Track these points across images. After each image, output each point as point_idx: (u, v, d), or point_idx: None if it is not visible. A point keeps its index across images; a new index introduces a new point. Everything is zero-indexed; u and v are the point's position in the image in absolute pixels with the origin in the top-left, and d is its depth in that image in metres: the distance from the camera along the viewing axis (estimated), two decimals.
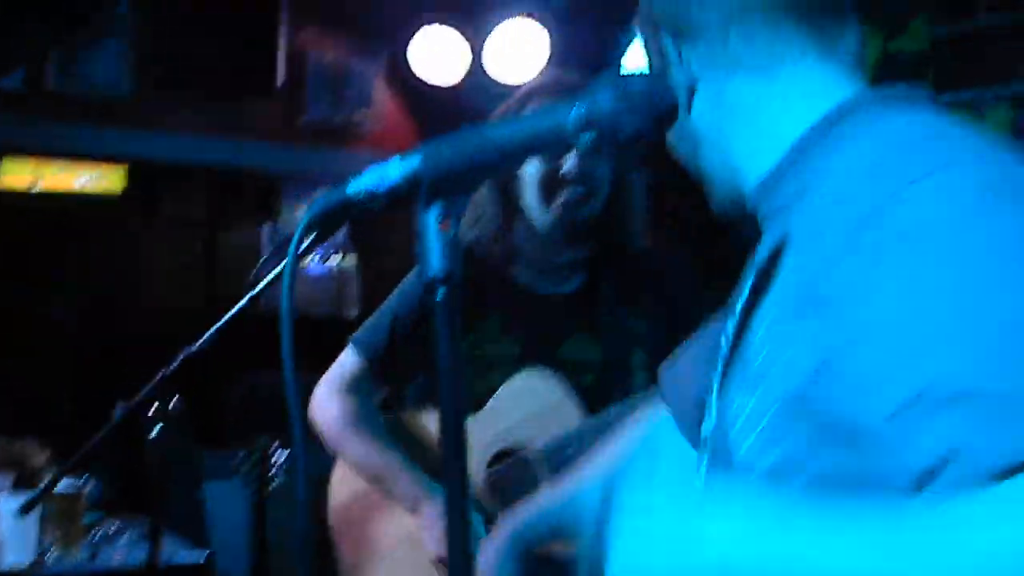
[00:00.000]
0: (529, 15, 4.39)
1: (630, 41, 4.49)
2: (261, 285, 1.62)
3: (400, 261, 4.52)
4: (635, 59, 4.49)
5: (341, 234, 5.40)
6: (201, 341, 1.78)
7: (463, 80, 4.52)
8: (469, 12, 4.41)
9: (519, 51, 4.41)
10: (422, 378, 2.40)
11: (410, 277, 2.38)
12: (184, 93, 4.50)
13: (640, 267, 2.31)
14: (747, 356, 1.00)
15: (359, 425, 2.33)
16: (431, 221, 0.95)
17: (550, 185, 2.19)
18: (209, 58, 4.38)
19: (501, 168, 1.02)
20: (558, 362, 2.24)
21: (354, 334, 2.39)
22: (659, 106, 0.98)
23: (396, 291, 2.40)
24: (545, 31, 4.39)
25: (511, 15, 4.39)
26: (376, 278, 5.66)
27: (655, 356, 2.23)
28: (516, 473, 2.22)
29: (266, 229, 6.89)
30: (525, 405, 2.22)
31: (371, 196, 0.96)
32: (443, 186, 0.96)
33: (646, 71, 1.06)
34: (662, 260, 2.35)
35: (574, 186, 2.18)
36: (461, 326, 2.35)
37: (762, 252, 1.04)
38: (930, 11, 4.34)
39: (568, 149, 1.01)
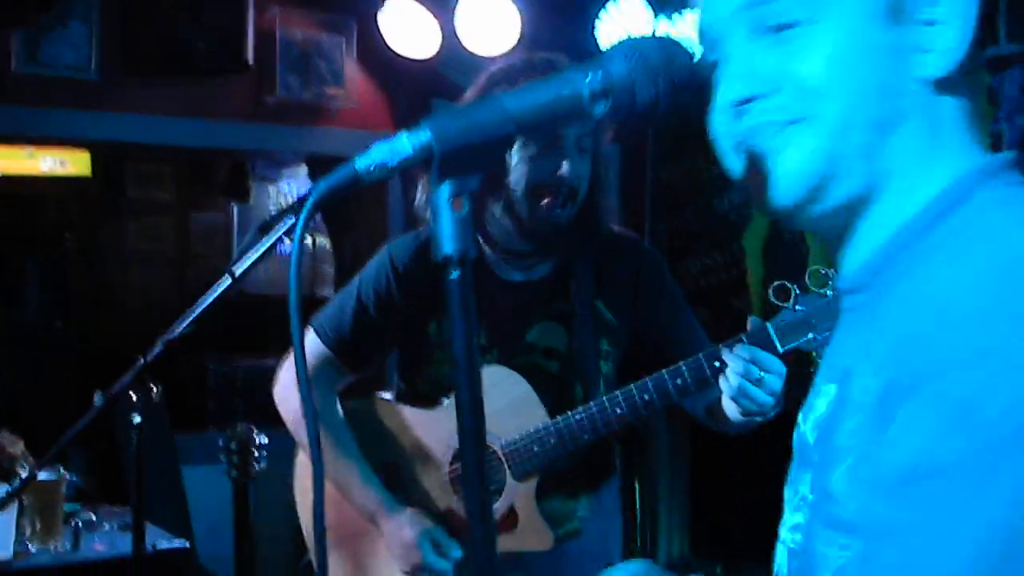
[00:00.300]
0: None
1: (599, 11, 4.46)
2: (243, 267, 1.57)
3: (373, 240, 4.49)
4: (607, 29, 4.46)
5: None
6: (180, 327, 1.74)
7: (435, 54, 4.48)
8: None
9: (490, 23, 4.37)
10: (403, 373, 2.39)
11: (373, 260, 2.36)
12: (151, 74, 4.43)
13: (611, 256, 2.29)
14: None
15: (320, 425, 2.31)
16: (443, 199, 0.91)
17: (539, 187, 2.16)
18: (176, 38, 4.31)
19: (513, 140, 0.96)
20: (525, 347, 2.24)
21: (314, 319, 2.35)
22: (677, 71, 0.94)
23: (359, 274, 2.37)
24: (512, 3, 4.34)
25: None
26: (351, 257, 5.62)
27: (620, 345, 2.25)
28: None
29: (236, 209, 6.84)
30: (489, 401, 2.21)
31: (381, 170, 0.92)
32: (455, 162, 0.91)
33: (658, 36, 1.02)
34: (633, 249, 2.34)
35: (564, 187, 2.16)
36: (432, 311, 2.32)
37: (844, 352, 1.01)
38: None
39: (584, 119, 0.96)
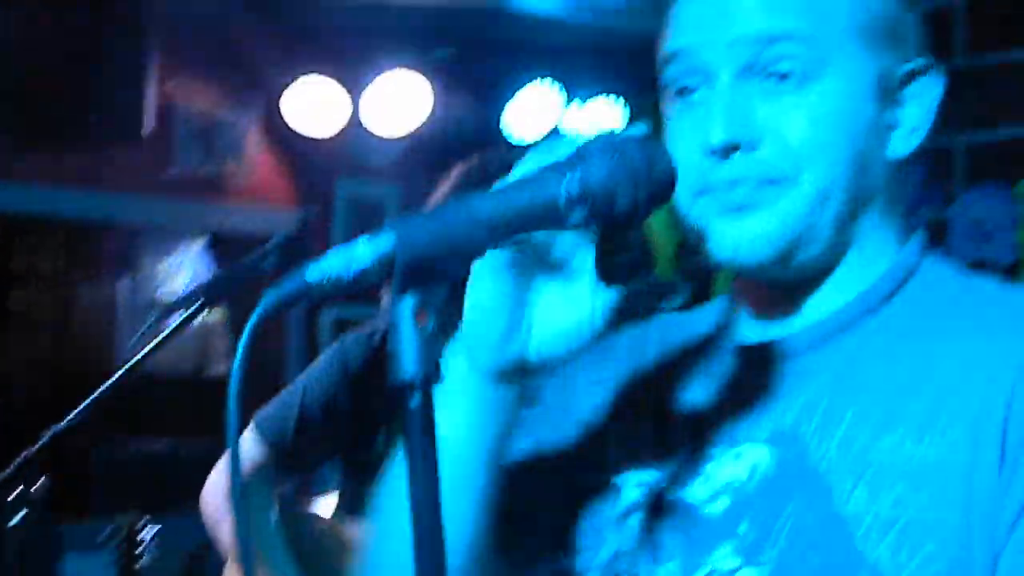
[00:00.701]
0: (411, 67, 4.29)
1: (513, 95, 4.44)
2: (141, 354, 1.45)
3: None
4: (517, 113, 4.43)
5: None
6: (71, 417, 1.60)
7: (340, 132, 4.40)
8: (348, 62, 4.29)
9: (400, 103, 4.31)
10: (347, 484, 2.29)
11: (323, 356, 2.26)
12: (43, 141, 4.25)
13: None
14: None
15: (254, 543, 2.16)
16: (405, 314, 0.79)
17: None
18: (70, 105, 4.15)
19: (486, 249, 0.86)
20: None
21: (257, 415, 2.22)
22: (658, 176, 0.86)
23: (307, 371, 2.26)
24: (427, 83, 4.30)
25: (392, 67, 4.29)
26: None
27: None
28: None
29: (125, 284, 6.61)
30: None
31: (335, 283, 0.79)
32: (420, 272, 0.80)
33: (637, 131, 0.94)
34: None
35: None
36: (382, 421, 2.20)
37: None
38: None
39: (559, 226, 0.87)
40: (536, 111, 4.47)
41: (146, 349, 1.53)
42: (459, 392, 0.93)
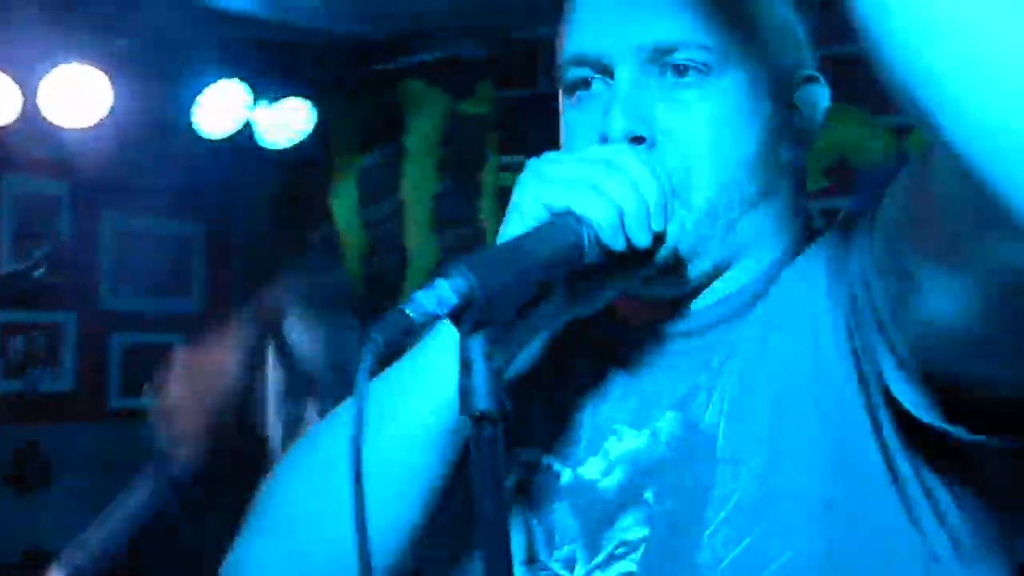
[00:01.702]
0: (88, 61, 4.07)
1: (199, 91, 4.31)
2: None
3: None
4: (205, 110, 4.31)
5: None
6: None
7: (10, 125, 4.11)
8: (20, 54, 4.02)
9: (77, 97, 4.08)
10: None
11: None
12: None
13: None
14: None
15: None
16: (477, 350, 0.81)
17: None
18: None
19: (543, 286, 0.88)
20: None
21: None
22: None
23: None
24: (106, 77, 4.10)
25: (68, 59, 4.05)
26: None
27: None
28: None
29: None
30: None
31: (430, 320, 0.80)
32: (491, 310, 0.82)
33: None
34: None
35: None
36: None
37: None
38: (496, 76, 4.55)
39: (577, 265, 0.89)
40: (224, 108, 4.36)
41: None
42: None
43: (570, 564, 1.01)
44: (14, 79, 4.03)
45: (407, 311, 0.80)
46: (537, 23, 4.38)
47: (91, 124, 4.16)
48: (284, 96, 4.47)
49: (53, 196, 4.59)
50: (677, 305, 1.06)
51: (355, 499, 0.74)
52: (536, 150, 3.82)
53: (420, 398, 0.93)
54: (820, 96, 1.07)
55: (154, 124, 4.26)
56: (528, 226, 0.90)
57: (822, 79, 1.08)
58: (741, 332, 1.03)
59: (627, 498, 1.00)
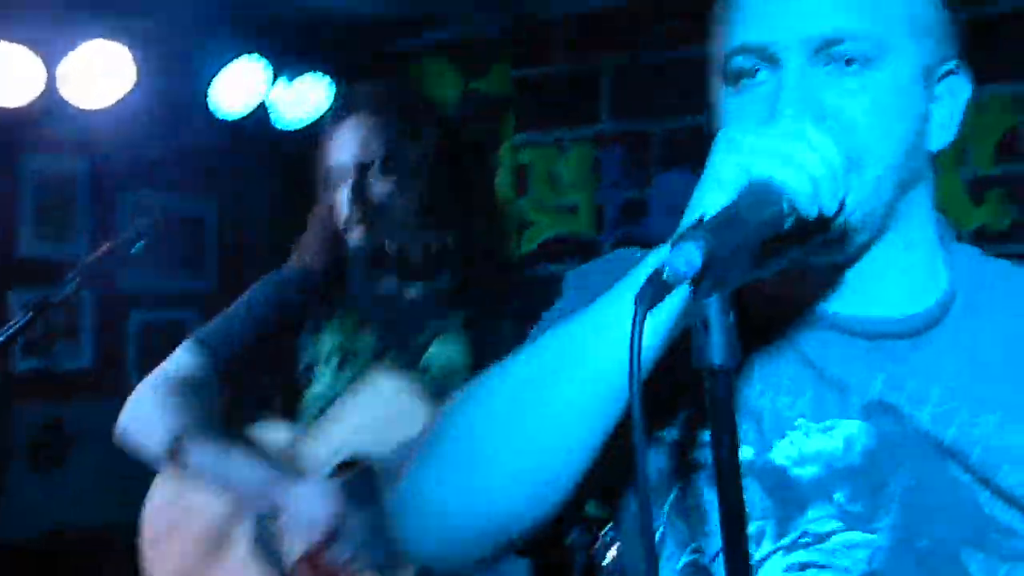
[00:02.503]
0: (111, 38, 4.08)
1: (218, 70, 4.33)
2: None
3: None
4: (224, 88, 4.33)
5: None
6: None
7: (34, 102, 4.12)
8: (43, 30, 4.03)
9: (100, 74, 4.10)
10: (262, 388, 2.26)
11: (259, 284, 2.31)
12: None
13: (511, 275, 2.26)
14: None
15: (206, 432, 2.19)
16: (715, 309, 0.86)
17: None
18: None
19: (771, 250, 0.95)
20: (424, 362, 2.15)
21: (196, 332, 2.27)
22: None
23: (245, 296, 2.31)
24: (129, 54, 4.11)
25: (91, 36, 4.06)
26: None
27: None
28: (360, 484, 2.11)
29: None
30: (372, 410, 2.11)
31: (681, 280, 0.86)
32: (726, 272, 0.87)
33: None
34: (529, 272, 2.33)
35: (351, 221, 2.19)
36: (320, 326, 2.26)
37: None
38: (511, 55, 4.59)
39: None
40: (243, 87, 4.38)
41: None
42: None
43: (757, 539, 1.07)
44: (38, 55, 4.04)
45: (663, 274, 0.86)
46: (551, 1, 4.43)
47: (112, 103, 4.18)
48: (302, 73, 4.50)
49: (71, 175, 4.60)
50: (829, 280, 1.11)
51: (639, 471, 0.81)
52: (551, 127, 3.90)
53: (604, 352, 0.98)
54: (962, 88, 1.13)
55: (173, 103, 4.28)
56: (731, 195, 0.95)
57: (964, 71, 1.14)
58: (942, 331, 1.09)
59: (818, 493, 1.06)
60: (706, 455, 1.09)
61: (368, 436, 2.10)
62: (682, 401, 1.09)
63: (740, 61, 1.09)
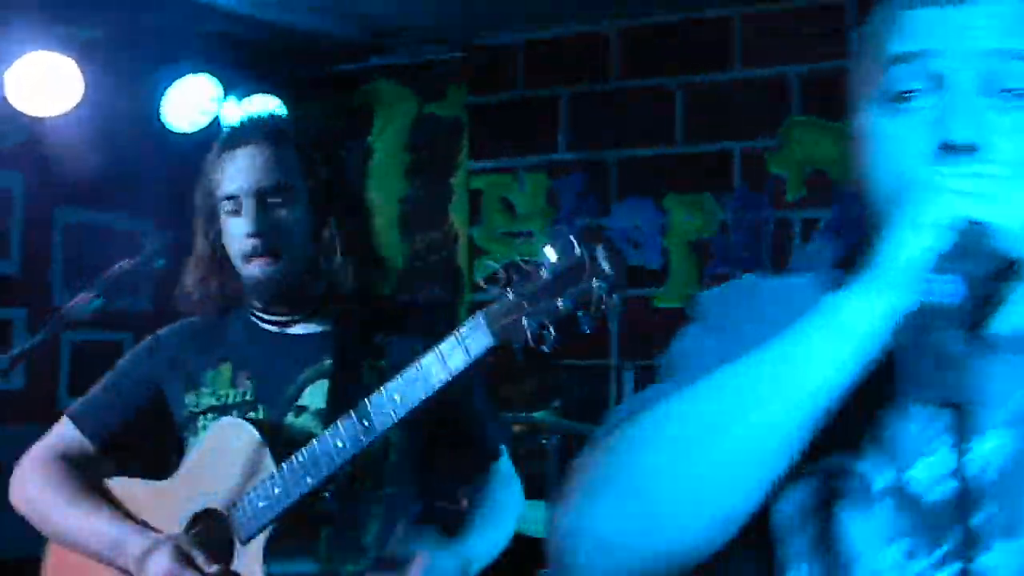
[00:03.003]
0: (58, 49, 3.96)
1: (170, 84, 4.23)
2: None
3: None
4: (175, 103, 4.22)
5: None
6: None
7: None
8: None
9: (46, 86, 3.97)
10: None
11: (130, 355, 2.22)
12: None
13: (391, 322, 2.18)
14: None
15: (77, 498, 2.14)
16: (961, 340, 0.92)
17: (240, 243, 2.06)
18: None
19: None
20: (296, 409, 2.08)
21: (72, 409, 2.21)
22: None
23: (117, 367, 2.22)
24: (75, 64, 3.99)
25: (35, 47, 3.94)
26: None
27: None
28: (215, 534, 2.03)
29: None
30: (221, 459, 2.03)
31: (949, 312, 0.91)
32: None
33: None
34: (419, 319, 2.23)
35: (253, 251, 2.06)
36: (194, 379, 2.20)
37: None
38: (467, 80, 4.56)
39: None
40: (193, 103, 4.29)
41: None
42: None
43: (909, 557, 1.05)
44: None
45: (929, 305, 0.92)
46: (506, 29, 4.43)
47: (58, 113, 4.05)
48: (254, 92, 4.42)
49: (7, 188, 4.44)
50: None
51: None
52: (508, 154, 3.91)
53: (789, 393, 0.97)
54: None
55: (120, 118, 4.16)
56: (935, 236, 0.95)
57: None
58: None
59: (962, 509, 1.04)
60: (853, 484, 1.08)
61: (219, 484, 2.05)
62: (831, 430, 1.07)
63: (899, 72, 1.06)
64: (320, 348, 2.13)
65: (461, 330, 1.80)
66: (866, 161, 1.07)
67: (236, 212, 2.07)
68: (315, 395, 2.10)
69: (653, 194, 4.23)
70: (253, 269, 2.06)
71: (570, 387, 4.06)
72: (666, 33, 4.22)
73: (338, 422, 1.92)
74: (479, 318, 1.79)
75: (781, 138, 4.10)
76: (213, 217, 2.12)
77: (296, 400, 2.10)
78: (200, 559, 1.99)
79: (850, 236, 3.98)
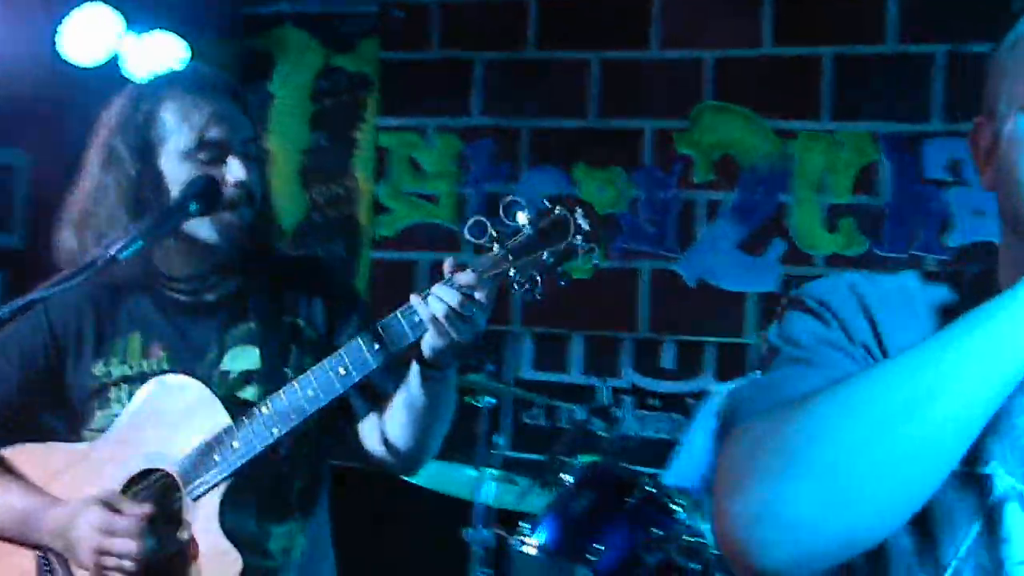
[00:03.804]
0: None
1: (63, 17, 4.03)
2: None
3: None
4: (72, 36, 4.02)
5: None
6: None
7: None
8: None
9: None
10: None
11: (17, 322, 1.99)
12: None
13: (290, 268, 2.15)
14: None
15: None
16: None
17: (212, 199, 1.96)
18: None
19: None
20: (220, 375, 2.02)
21: None
22: None
23: (7, 335, 2.05)
24: None
25: None
26: None
27: (314, 353, 2.09)
28: (158, 492, 1.97)
29: None
30: (162, 419, 1.97)
31: None
32: None
33: None
34: (317, 268, 2.21)
35: (240, 200, 1.99)
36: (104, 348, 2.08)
37: None
38: (380, 34, 4.48)
39: None
40: (92, 35, 4.09)
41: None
42: None
43: None
44: None
45: None
46: None
47: None
48: (154, 28, 4.24)
49: None
50: None
51: None
52: (418, 113, 3.88)
53: (974, 388, 1.00)
54: None
55: (23, 53, 3.94)
56: None
57: None
58: None
59: None
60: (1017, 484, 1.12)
61: (160, 443, 2.01)
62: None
63: None
64: (235, 311, 2.10)
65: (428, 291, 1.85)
66: (1017, 166, 1.10)
67: (218, 160, 1.99)
68: (237, 359, 2.07)
69: (563, 164, 4.26)
70: (228, 216, 2.00)
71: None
72: (586, 7, 4.24)
73: (309, 373, 1.90)
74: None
75: (692, 120, 4.18)
76: (138, 155, 2.01)
77: (218, 365, 2.06)
78: (135, 510, 1.92)
79: (752, 221, 4.11)
